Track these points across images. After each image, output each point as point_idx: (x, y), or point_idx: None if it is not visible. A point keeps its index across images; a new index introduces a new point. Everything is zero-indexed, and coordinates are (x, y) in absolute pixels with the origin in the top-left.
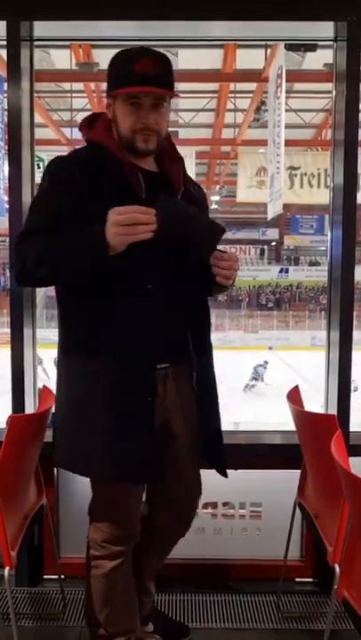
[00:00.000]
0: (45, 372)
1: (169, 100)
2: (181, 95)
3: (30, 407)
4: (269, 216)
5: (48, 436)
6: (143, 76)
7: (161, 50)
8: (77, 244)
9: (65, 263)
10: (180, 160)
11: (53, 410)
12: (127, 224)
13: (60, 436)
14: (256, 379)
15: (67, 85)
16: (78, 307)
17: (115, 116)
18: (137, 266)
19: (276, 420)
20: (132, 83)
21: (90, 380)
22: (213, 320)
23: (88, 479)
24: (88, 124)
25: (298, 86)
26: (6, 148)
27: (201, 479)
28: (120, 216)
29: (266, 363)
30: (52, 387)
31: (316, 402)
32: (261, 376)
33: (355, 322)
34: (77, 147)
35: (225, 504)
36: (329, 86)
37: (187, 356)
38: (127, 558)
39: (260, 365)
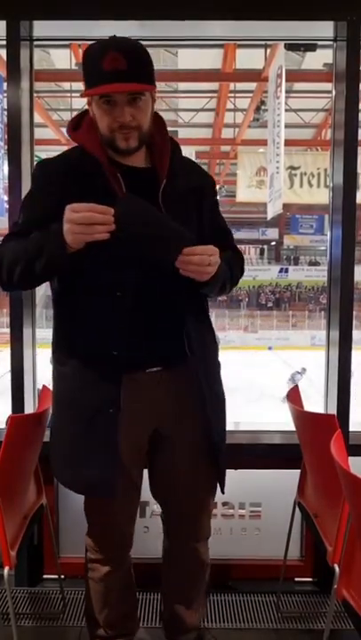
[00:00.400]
0: None
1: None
2: (180, 95)
3: (30, 407)
4: (269, 216)
5: (47, 435)
6: (113, 72)
7: (161, 50)
8: (39, 242)
9: (29, 263)
10: (166, 152)
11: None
12: (82, 223)
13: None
14: None
15: (66, 85)
16: (56, 306)
17: (94, 115)
18: (104, 266)
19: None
20: (101, 81)
21: (59, 382)
22: (213, 320)
23: None
24: (73, 125)
25: (298, 86)
26: (6, 147)
27: (211, 490)
28: (75, 214)
29: (304, 370)
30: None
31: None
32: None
33: (354, 321)
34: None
35: (224, 504)
36: (329, 86)
37: (185, 358)
38: (122, 565)
39: (298, 373)
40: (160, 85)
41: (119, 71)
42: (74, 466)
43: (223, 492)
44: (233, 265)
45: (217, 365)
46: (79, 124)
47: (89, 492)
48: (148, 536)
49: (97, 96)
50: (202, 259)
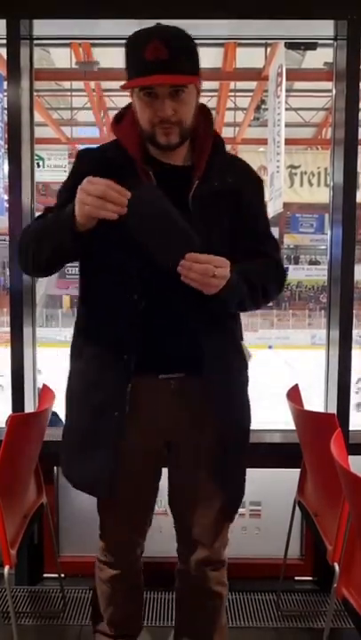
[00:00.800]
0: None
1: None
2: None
3: (30, 406)
4: (269, 215)
5: (48, 435)
6: (154, 63)
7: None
8: (52, 219)
9: (42, 240)
10: (206, 149)
11: None
12: (95, 195)
13: None
14: None
15: (67, 84)
16: (79, 301)
17: (134, 107)
18: (122, 269)
19: None
20: (142, 72)
21: (71, 377)
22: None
23: None
24: (117, 118)
25: (298, 85)
26: (6, 146)
27: (222, 514)
28: (91, 185)
29: None
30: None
31: None
32: None
33: (354, 321)
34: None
35: None
36: (329, 85)
37: (201, 368)
38: (131, 570)
39: None
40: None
41: (161, 61)
42: (76, 463)
43: (232, 520)
44: (263, 279)
45: (240, 382)
46: (122, 117)
47: (88, 491)
48: (156, 534)
49: (137, 88)
50: (205, 268)
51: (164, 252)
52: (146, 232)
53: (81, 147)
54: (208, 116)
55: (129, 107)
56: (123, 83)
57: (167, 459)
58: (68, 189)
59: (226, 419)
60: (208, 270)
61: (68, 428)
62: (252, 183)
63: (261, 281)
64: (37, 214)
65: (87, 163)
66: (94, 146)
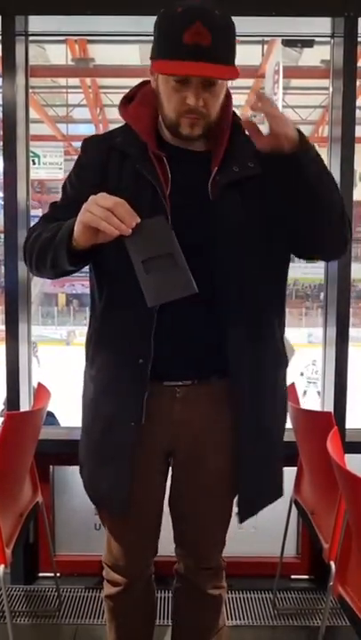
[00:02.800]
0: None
1: None
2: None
3: (26, 405)
4: None
5: (43, 433)
6: (193, 48)
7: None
8: (52, 233)
9: (42, 256)
10: (224, 134)
11: None
12: (105, 206)
13: None
14: None
15: (62, 81)
16: (90, 300)
17: (158, 89)
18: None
19: None
20: (177, 57)
21: (86, 383)
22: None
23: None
24: (128, 98)
25: (295, 82)
26: (1, 143)
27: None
28: (103, 198)
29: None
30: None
31: None
32: None
33: (351, 319)
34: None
35: None
36: (326, 82)
37: (225, 376)
38: (132, 593)
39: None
40: None
41: (202, 48)
42: (89, 473)
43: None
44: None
45: (277, 394)
46: (133, 97)
47: (99, 504)
48: None
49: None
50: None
51: (156, 289)
52: (143, 264)
53: (77, 144)
54: (226, 99)
55: (140, 86)
56: (114, 80)
57: (171, 464)
58: (73, 186)
59: (252, 435)
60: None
61: (82, 436)
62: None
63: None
64: (35, 214)
65: (92, 152)
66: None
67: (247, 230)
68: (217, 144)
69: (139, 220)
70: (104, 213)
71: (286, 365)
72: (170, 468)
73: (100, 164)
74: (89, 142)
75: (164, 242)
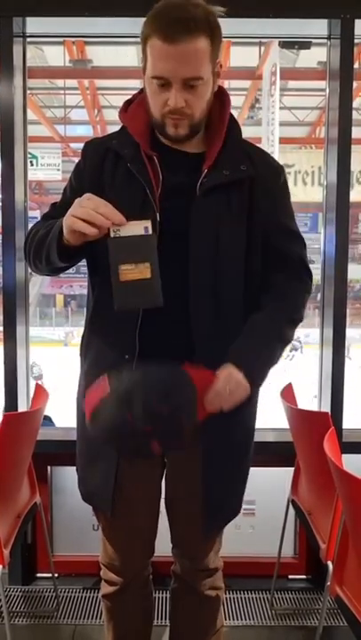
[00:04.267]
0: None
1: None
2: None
3: (23, 405)
4: None
5: (41, 434)
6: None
7: None
8: (46, 231)
9: (38, 253)
10: (219, 136)
11: None
12: (89, 207)
13: None
14: None
15: (60, 82)
16: (88, 299)
17: (145, 90)
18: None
19: None
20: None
21: (79, 381)
22: None
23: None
24: (127, 103)
25: (292, 84)
26: None
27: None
28: (87, 199)
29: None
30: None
31: None
32: None
33: (348, 320)
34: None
35: None
36: (323, 84)
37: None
38: (128, 593)
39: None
40: None
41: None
42: (81, 470)
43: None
44: (284, 304)
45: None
46: (132, 102)
47: (88, 501)
48: None
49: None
50: (220, 400)
51: (125, 296)
52: (118, 265)
53: (74, 145)
54: (224, 99)
55: (142, 91)
56: (112, 81)
57: (166, 464)
58: (72, 189)
59: (221, 436)
60: (222, 390)
61: (77, 434)
62: (271, 172)
63: (284, 304)
64: (33, 215)
65: (90, 156)
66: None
67: (230, 236)
68: (211, 145)
69: (123, 220)
70: (85, 213)
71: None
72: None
73: (96, 166)
74: (88, 146)
75: (146, 251)
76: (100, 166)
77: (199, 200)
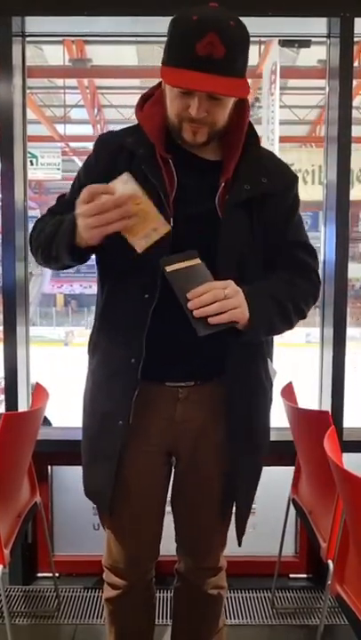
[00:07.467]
0: None
1: None
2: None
3: (24, 405)
4: None
5: (41, 433)
6: (206, 60)
7: (155, 46)
8: (55, 227)
9: (47, 250)
10: (237, 145)
11: None
12: (94, 213)
13: None
14: None
15: (60, 81)
16: (97, 297)
17: (164, 91)
18: (135, 267)
19: None
20: (188, 66)
21: (86, 378)
22: None
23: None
24: (144, 99)
25: (292, 82)
26: None
27: (219, 538)
28: (84, 206)
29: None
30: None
31: None
32: None
33: (348, 319)
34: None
35: None
36: (323, 82)
37: (215, 377)
38: (131, 597)
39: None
40: (154, 82)
41: (213, 60)
42: (84, 467)
43: (240, 545)
44: (294, 294)
45: (262, 396)
46: (150, 96)
47: (90, 498)
48: None
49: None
50: (214, 294)
51: (200, 319)
52: (185, 295)
53: (74, 145)
54: (243, 108)
55: (159, 85)
56: (112, 80)
57: (173, 464)
58: (81, 184)
59: (239, 434)
60: (218, 295)
61: (82, 431)
62: (287, 184)
63: (292, 297)
64: (33, 214)
65: (102, 152)
66: (119, 128)
67: (249, 250)
68: (230, 155)
69: (113, 190)
70: (102, 220)
71: (271, 382)
72: (172, 468)
73: (108, 164)
74: (101, 141)
75: (204, 275)
76: (113, 164)
77: (223, 220)
